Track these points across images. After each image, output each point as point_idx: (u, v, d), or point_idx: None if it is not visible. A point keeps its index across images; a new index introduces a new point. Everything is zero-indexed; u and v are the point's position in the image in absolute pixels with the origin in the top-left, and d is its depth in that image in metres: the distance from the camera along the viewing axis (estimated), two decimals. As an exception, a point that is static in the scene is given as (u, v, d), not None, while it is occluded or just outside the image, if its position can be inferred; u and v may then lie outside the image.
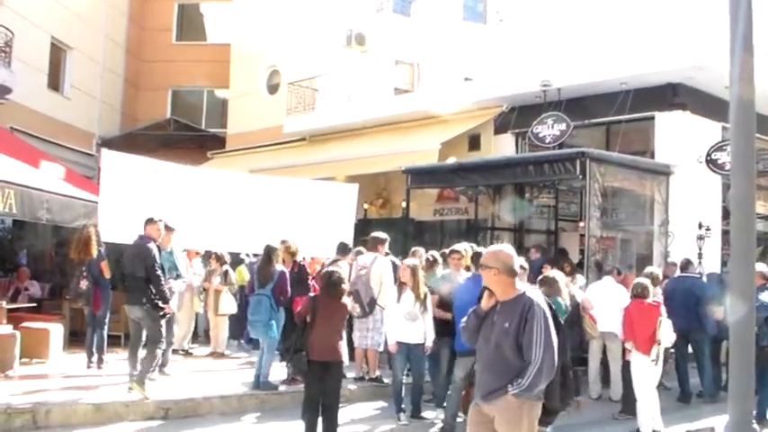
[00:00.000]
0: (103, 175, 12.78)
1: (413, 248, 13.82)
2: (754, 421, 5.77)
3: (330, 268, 10.34)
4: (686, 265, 14.54)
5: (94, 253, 13.26)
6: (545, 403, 6.12)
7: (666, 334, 11.16)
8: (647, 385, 11.06)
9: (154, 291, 11.29)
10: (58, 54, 28.15)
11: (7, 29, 22.52)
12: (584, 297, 13.14)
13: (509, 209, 20.80)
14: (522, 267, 6.79)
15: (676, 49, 17.45)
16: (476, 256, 11.06)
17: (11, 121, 23.04)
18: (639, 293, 11.31)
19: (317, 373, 9.29)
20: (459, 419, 10.42)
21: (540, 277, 11.59)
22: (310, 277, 13.53)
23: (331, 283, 9.46)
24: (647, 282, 11.55)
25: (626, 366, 12.02)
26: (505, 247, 6.40)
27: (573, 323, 12.01)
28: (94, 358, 13.30)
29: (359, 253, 14.26)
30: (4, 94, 22.39)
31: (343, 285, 9.61)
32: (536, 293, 6.18)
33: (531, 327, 5.89)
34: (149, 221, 11.56)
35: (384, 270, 12.95)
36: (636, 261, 19.09)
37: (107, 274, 13.38)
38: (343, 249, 13.79)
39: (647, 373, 11.09)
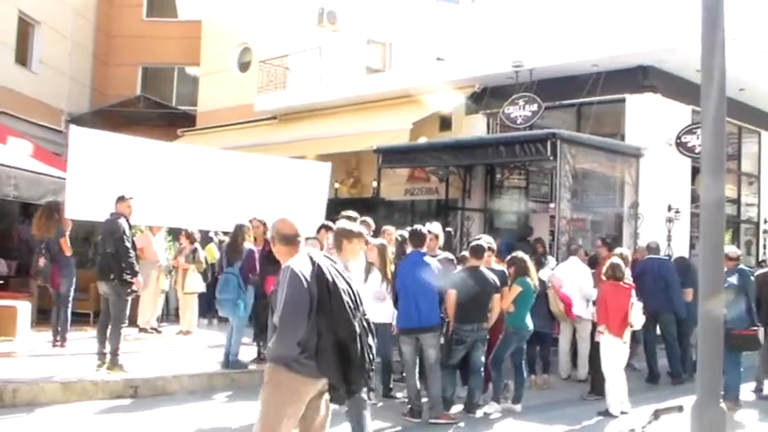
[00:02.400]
0: (71, 152, 12.65)
1: (383, 228, 13.77)
2: (721, 401, 5.81)
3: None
4: (655, 247, 14.64)
5: (53, 231, 13.15)
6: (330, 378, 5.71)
7: (637, 316, 11.23)
8: (615, 366, 11.13)
9: (123, 264, 11.28)
10: (25, 28, 27.80)
11: (-26, 2, 22.29)
12: (550, 274, 13.23)
13: (480, 190, 20.87)
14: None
15: (648, 31, 17.51)
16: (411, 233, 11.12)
17: (-23, 97, 22.83)
18: (613, 275, 11.31)
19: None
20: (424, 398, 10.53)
21: (509, 257, 11.67)
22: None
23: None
24: (620, 262, 11.57)
25: (595, 347, 12.09)
26: (287, 217, 6.16)
27: (538, 302, 12.11)
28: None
29: (328, 229, 14.23)
30: (-30, 68, 22.17)
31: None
32: (303, 258, 5.80)
33: (280, 291, 5.65)
34: (120, 199, 11.54)
35: (357, 248, 12.91)
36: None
37: (67, 252, 13.24)
38: (324, 227, 13.64)
39: (616, 354, 11.15)
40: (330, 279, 5.68)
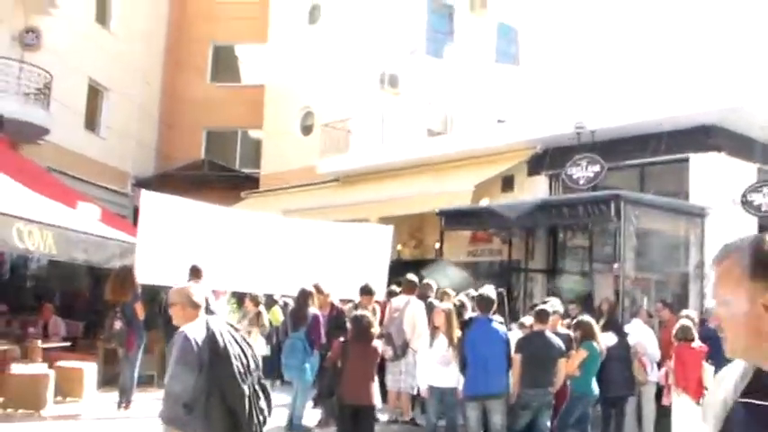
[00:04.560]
0: (141, 216, 12.87)
1: (441, 290, 13.75)
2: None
3: (359, 312, 10.40)
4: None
5: (129, 295, 13.36)
6: None
7: (710, 379, 11.05)
8: (691, 429, 10.93)
9: None
10: (95, 95, 28.47)
11: (46, 71, 22.82)
12: (637, 341, 13.04)
13: (543, 251, 20.77)
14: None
15: (711, 90, 17.42)
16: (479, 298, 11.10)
17: (48, 161, 23.24)
18: (684, 337, 11.15)
19: (349, 416, 9.31)
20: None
21: (575, 321, 11.57)
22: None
23: (361, 328, 9.50)
24: (690, 324, 11.42)
25: (661, 410, 11.91)
26: (186, 285, 6.65)
27: (621, 365, 11.99)
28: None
29: (392, 294, 14.28)
30: (41, 134, 22.65)
31: (373, 329, 9.64)
32: (199, 324, 6.11)
33: (172, 354, 5.99)
34: (195, 271, 12.00)
35: (417, 313, 12.94)
36: (672, 302, 18.97)
37: (141, 316, 13.46)
38: (365, 291, 13.65)
39: (691, 418, 10.96)
40: (222, 344, 5.97)
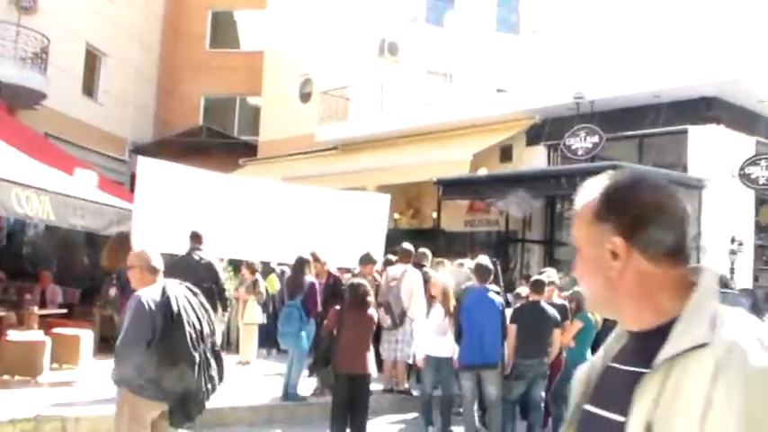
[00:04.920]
0: (138, 183, 12.82)
1: (436, 260, 13.72)
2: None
3: (355, 280, 10.39)
4: (727, 281, 14.44)
5: (125, 262, 13.31)
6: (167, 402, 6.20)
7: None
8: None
9: (221, 298, 12.37)
10: (92, 60, 28.37)
11: (43, 35, 22.71)
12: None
13: (540, 222, 20.79)
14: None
15: (710, 62, 17.39)
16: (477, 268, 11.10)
17: (45, 127, 23.17)
18: None
19: (345, 385, 9.32)
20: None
21: (570, 292, 11.58)
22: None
23: (357, 296, 9.50)
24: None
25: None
26: (144, 249, 6.69)
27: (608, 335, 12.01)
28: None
29: (388, 262, 14.30)
30: (39, 99, 22.56)
31: (369, 297, 9.65)
32: (155, 289, 6.23)
33: (126, 318, 6.19)
34: (196, 236, 12.24)
35: (414, 282, 12.95)
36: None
37: (136, 283, 13.44)
38: (366, 260, 13.69)
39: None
40: (176, 310, 6.10)
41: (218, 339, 6.65)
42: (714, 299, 2.02)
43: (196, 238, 12.17)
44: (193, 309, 6.33)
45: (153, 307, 6.07)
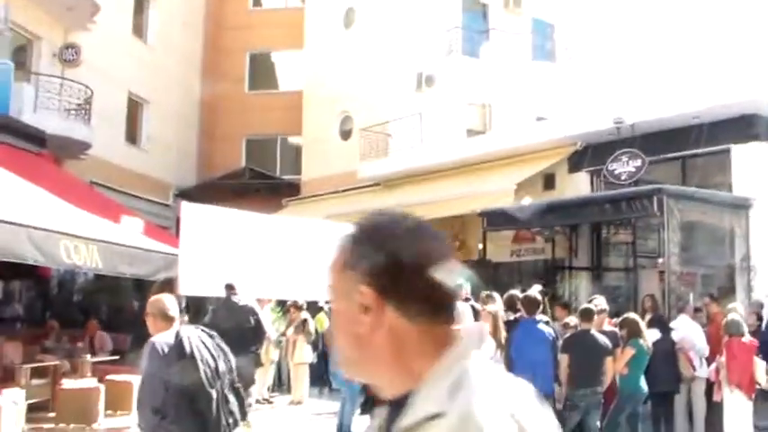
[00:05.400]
0: (183, 228, 12.95)
1: (485, 293, 13.58)
2: None
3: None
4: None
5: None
6: None
7: (762, 373, 10.97)
8: (743, 426, 10.82)
9: (260, 339, 13.39)
10: (134, 108, 28.73)
11: (86, 86, 23.02)
12: (682, 337, 12.93)
13: (586, 248, 20.69)
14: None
15: (749, 79, 17.26)
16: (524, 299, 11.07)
17: (90, 175, 23.48)
18: (737, 331, 11.04)
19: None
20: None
21: (620, 319, 11.50)
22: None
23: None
24: (740, 318, 11.32)
25: (712, 407, 11.81)
26: (162, 296, 6.84)
27: (666, 361, 11.97)
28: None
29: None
30: (83, 149, 22.83)
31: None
32: (169, 334, 6.44)
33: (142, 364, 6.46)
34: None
35: (463, 315, 12.90)
36: (718, 296, 18.78)
37: (184, 328, 13.51)
38: None
39: (744, 413, 10.86)
40: (188, 350, 6.33)
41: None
42: (466, 360, 1.79)
43: (230, 288, 12.39)
44: (207, 348, 6.54)
45: (166, 350, 6.31)
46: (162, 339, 6.40)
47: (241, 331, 12.94)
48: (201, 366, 6.36)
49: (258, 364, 14.24)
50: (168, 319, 6.61)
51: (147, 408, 6.29)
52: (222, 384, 6.52)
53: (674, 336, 12.70)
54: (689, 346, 12.80)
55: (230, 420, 6.49)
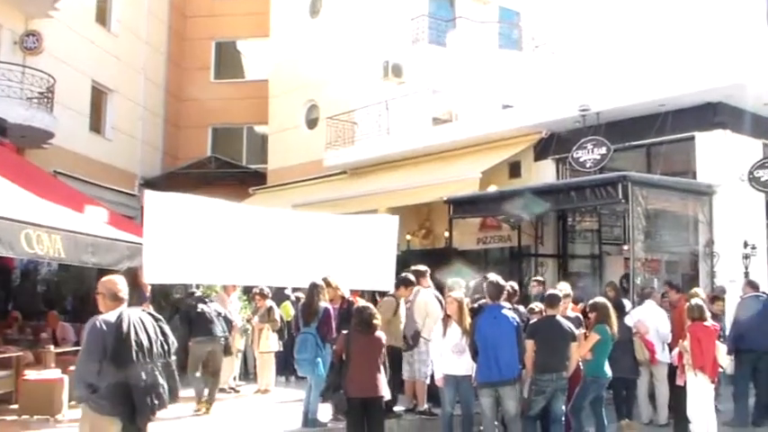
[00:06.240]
0: (146, 217, 12.79)
1: (451, 280, 13.53)
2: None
3: (361, 304, 10.43)
4: (755, 284, 14.42)
5: (134, 296, 13.18)
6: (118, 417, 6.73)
7: (724, 357, 11.08)
8: (707, 409, 10.91)
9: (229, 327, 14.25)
10: (98, 97, 28.49)
11: (49, 75, 22.81)
12: (637, 321, 13.05)
13: (552, 236, 20.78)
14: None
15: (714, 68, 17.38)
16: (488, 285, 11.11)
17: (54, 165, 23.28)
18: (700, 316, 11.12)
19: (358, 409, 9.33)
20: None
21: (590, 303, 11.54)
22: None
23: (362, 319, 9.54)
24: (703, 303, 11.41)
25: (675, 391, 11.90)
26: (114, 277, 7.23)
27: (624, 347, 12.06)
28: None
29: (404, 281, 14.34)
30: (46, 138, 22.64)
31: (376, 320, 9.67)
32: (113, 313, 6.82)
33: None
34: None
35: (428, 302, 12.92)
36: (682, 282, 18.94)
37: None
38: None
39: (707, 396, 10.95)
40: (125, 331, 6.67)
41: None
42: None
43: None
44: (146, 330, 6.87)
45: (105, 328, 6.67)
46: (104, 317, 6.76)
47: (213, 319, 13.83)
48: (134, 347, 6.67)
49: (228, 352, 14.42)
50: (117, 300, 6.95)
51: (81, 381, 6.67)
52: (154, 366, 6.82)
53: (628, 320, 12.79)
54: (644, 330, 12.91)
55: (156, 401, 6.77)
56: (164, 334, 7.09)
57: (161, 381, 6.86)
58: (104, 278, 7.23)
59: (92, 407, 6.69)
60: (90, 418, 6.75)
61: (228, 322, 14.50)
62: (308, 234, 14.22)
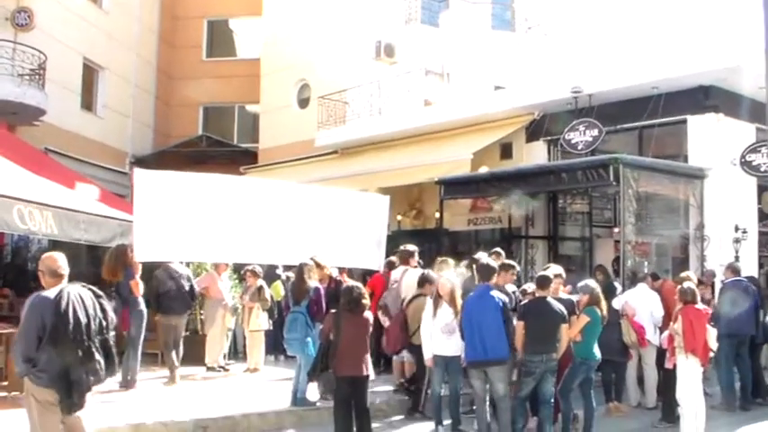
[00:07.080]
0: (136, 195, 12.74)
1: (440, 259, 13.52)
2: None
3: (350, 283, 10.44)
4: (737, 268, 14.46)
5: (122, 273, 13.15)
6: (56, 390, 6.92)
7: (714, 341, 11.11)
8: (696, 392, 10.94)
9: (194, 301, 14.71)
10: (90, 74, 28.40)
11: (40, 51, 22.72)
12: (624, 302, 13.09)
13: (543, 218, 20.80)
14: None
15: (707, 51, 17.37)
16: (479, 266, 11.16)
17: (45, 142, 23.22)
18: (692, 299, 11.13)
19: (346, 388, 9.36)
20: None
21: (581, 285, 11.55)
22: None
23: (351, 299, 9.55)
24: (694, 287, 11.43)
25: (664, 374, 11.95)
26: (54, 254, 7.40)
27: (614, 330, 12.11)
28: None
29: (390, 264, 14.34)
30: (38, 115, 22.58)
31: (364, 300, 9.69)
32: (53, 290, 6.98)
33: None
34: None
35: (415, 282, 12.92)
36: (672, 266, 18.98)
37: (137, 293, 13.24)
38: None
39: (697, 380, 10.98)
40: (63, 308, 6.83)
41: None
42: None
43: None
44: (85, 306, 7.02)
45: (44, 304, 6.85)
46: (44, 294, 6.95)
47: (185, 294, 14.24)
48: (72, 323, 6.84)
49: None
50: (57, 276, 7.16)
51: (21, 356, 6.86)
52: (91, 342, 7.00)
53: (615, 303, 12.83)
54: (631, 312, 12.95)
55: (91, 377, 7.01)
56: (103, 311, 7.24)
57: (98, 357, 7.04)
58: (44, 255, 7.45)
59: (32, 380, 6.88)
60: (33, 390, 6.93)
61: (193, 296, 14.82)
62: (300, 208, 14.16)
